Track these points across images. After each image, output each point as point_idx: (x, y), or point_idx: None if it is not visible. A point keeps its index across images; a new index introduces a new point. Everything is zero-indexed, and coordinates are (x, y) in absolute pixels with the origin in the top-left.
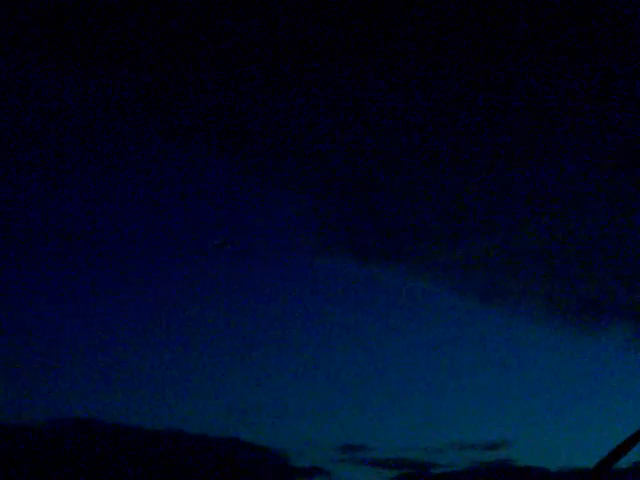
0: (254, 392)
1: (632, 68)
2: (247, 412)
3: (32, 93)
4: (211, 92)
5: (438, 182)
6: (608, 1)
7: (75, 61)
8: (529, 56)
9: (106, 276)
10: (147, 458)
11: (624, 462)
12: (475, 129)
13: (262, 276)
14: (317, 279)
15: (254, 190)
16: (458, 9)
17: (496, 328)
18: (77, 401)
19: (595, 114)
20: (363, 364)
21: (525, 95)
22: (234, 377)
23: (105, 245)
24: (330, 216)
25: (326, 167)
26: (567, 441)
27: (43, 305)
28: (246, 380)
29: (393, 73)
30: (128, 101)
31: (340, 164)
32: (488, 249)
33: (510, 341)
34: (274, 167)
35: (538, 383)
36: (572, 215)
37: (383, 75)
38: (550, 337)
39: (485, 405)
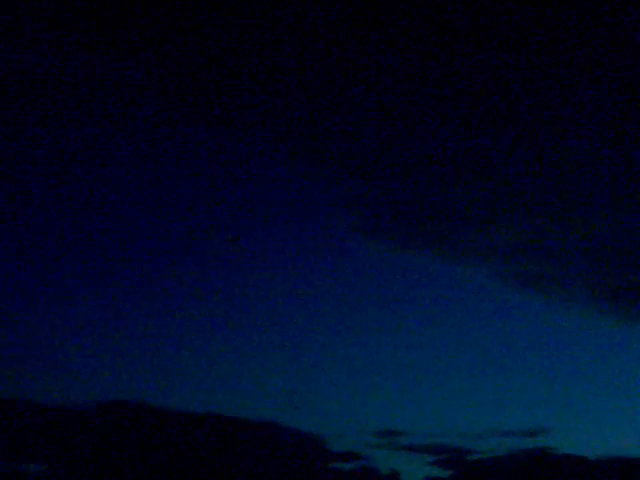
0: (292, 376)
1: None
2: (285, 397)
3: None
4: (246, 76)
5: (479, 165)
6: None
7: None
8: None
9: (151, 261)
10: (186, 441)
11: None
12: (517, 110)
13: (300, 260)
14: (355, 264)
15: (293, 173)
16: None
17: (536, 314)
18: (121, 383)
19: None
20: (401, 349)
21: (567, 75)
22: (273, 361)
23: (150, 228)
24: (368, 200)
25: (364, 150)
26: (607, 429)
27: (85, 289)
28: (284, 364)
29: (429, 57)
30: (160, 85)
31: (379, 147)
32: (529, 234)
33: (550, 327)
34: (313, 150)
35: (578, 370)
36: (614, 200)
37: (418, 59)
38: (591, 323)
39: (524, 392)
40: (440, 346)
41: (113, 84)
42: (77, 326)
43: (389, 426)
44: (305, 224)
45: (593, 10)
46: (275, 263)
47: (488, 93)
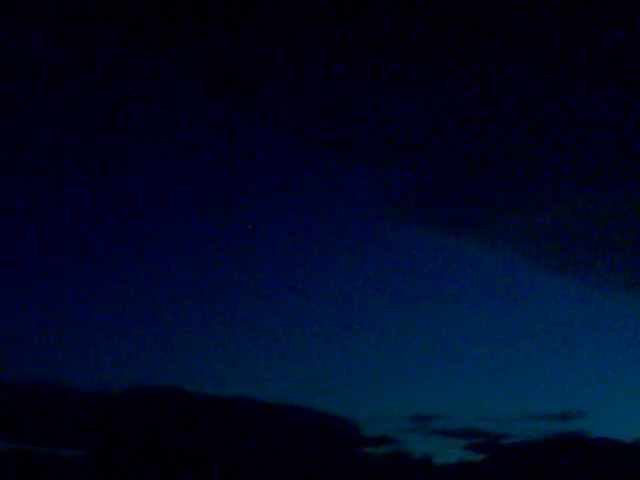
0: (327, 362)
1: None
2: (320, 382)
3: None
4: (290, 68)
5: (517, 151)
6: None
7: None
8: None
9: (186, 251)
10: (222, 425)
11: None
12: (556, 96)
13: (339, 247)
14: (394, 250)
15: (332, 163)
16: None
17: (572, 298)
18: (155, 369)
19: None
20: (436, 334)
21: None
22: (308, 347)
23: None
24: (407, 187)
25: (402, 138)
26: None
27: (123, 278)
28: (319, 350)
29: (468, 44)
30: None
31: (416, 135)
32: (567, 219)
33: (586, 311)
34: (351, 140)
35: (613, 354)
36: None
37: (459, 46)
38: (627, 308)
39: (558, 375)
40: (475, 330)
41: (152, 74)
42: (113, 313)
43: (422, 411)
44: (344, 213)
45: None
46: (314, 251)
47: (525, 79)
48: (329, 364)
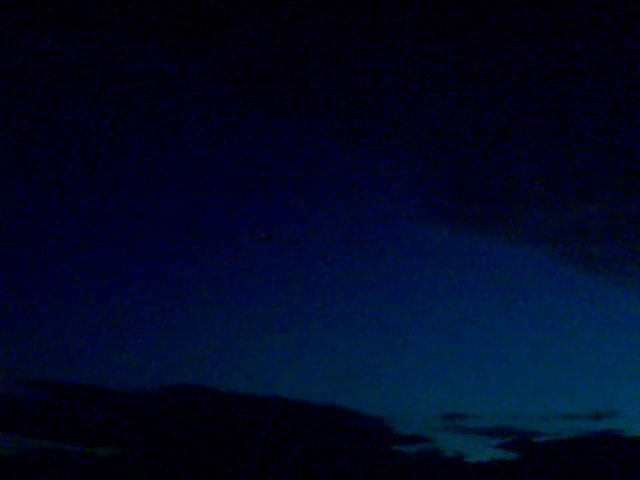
0: (359, 361)
1: None
2: (352, 380)
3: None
4: (314, 62)
5: (542, 148)
6: None
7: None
8: None
9: (221, 250)
10: (251, 423)
11: None
12: (586, 93)
13: (367, 245)
14: (421, 247)
15: (359, 160)
16: None
17: (599, 296)
18: (186, 368)
19: None
20: (466, 333)
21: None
22: (340, 345)
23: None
24: (433, 184)
25: (429, 135)
26: None
27: (154, 279)
28: (352, 349)
29: (494, 39)
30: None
31: (443, 132)
32: (593, 216)
33: (615, 310)
34: (380, 137)
35: None
36: None
37: (486, 41)
38: None
39: (591, 374)
40: (505, 329)
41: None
42: (145, 313)
43: (455, 409)
44: (372, 211)
45: None
46: (343, 248)
47: (553, 79)
48: (362, 363)
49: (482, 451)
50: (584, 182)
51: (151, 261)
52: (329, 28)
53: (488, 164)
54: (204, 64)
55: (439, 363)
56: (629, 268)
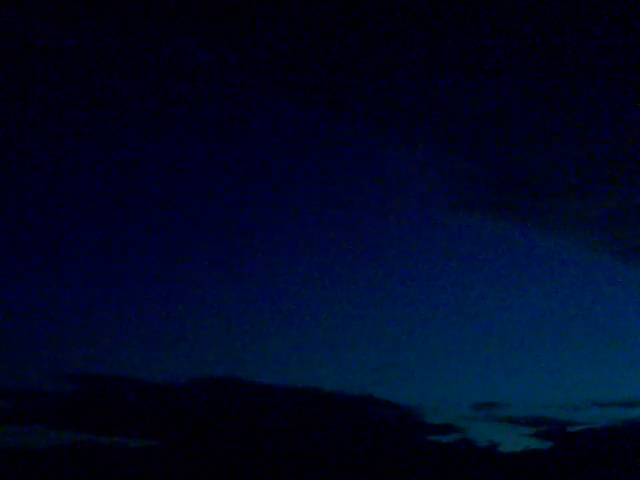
0: (390, 350)
1: None
2: (384, 370)
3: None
4: (339, 56)
5: (575, 135)
6: None
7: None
8: None
9: (247, 244)
10: (285, 414)
11: None
12: (614, 78)
13: (395, 233)
14: (450, 236)
15: (388, 147)
16: None
17: (633, 286)
18: (221, 360)
19: None
20: (497, 322)
21: None
22: (370, 335)
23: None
24: (462, 172)
25: (458, 123)
26: None
27: (187, 273)
28: (382, 339)
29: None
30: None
31: (471, 119)
32: (624, 204)
33: None
34: (407, 124)
35: None
36: None
37: (513, 30)
38: None
39: (623, 362)
40: (535, 318)
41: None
42: (176, 305)
43: (487, 398)
44: (400, 199)
45: None
46: (375, 241)
47: (584, 65)
48: (392, 352)
49: (516, 440)
50: (621, 170)
51: (185, 250)
52: (359, 16)
53: (521, 152)
54: (235, 54)
55: (471, 351)
56: None
